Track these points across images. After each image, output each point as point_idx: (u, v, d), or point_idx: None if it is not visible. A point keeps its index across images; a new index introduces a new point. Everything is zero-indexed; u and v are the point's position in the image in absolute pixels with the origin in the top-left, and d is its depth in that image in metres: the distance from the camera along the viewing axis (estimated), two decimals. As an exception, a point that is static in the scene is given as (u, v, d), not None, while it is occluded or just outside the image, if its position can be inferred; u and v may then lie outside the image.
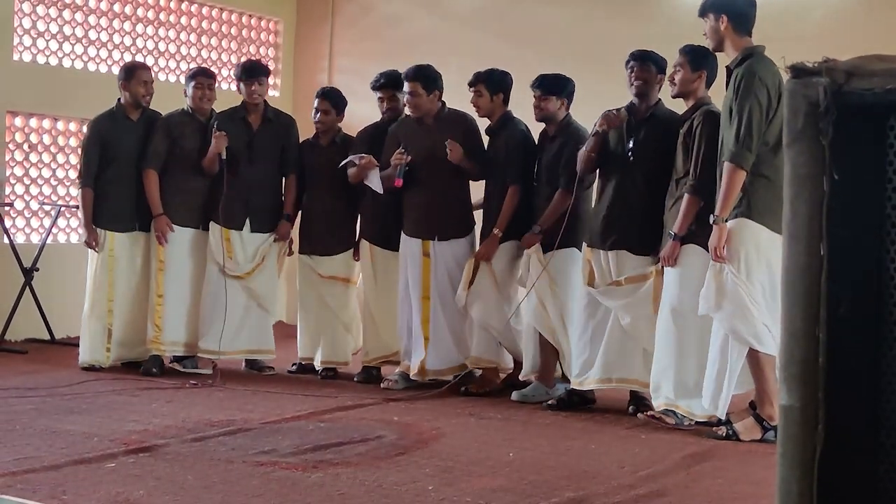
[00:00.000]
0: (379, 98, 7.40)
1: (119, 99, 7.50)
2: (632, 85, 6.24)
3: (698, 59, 5.96)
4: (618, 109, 6.24)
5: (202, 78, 7.52)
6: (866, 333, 1.43)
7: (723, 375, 5.58)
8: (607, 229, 6.23)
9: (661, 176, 6.09)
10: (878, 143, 1.42)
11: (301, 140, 7.74)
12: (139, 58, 9.51)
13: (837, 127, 1.38)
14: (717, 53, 5.89)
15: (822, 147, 1.38)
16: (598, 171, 6.41)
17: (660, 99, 6.32)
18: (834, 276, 1.41)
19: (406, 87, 7.00)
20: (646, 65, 6.23)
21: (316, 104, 7.60)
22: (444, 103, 7.11)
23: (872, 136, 1.41)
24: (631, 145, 6.19)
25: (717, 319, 5.58)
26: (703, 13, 5.73)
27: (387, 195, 7.07)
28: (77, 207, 7.84)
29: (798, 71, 1.41)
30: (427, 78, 6.99)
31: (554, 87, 6.69)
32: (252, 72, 7.53)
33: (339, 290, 7.55)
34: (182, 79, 7.89)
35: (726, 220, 5.47)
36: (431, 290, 7.00)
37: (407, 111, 7.24)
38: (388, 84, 7.35)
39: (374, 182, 7.06)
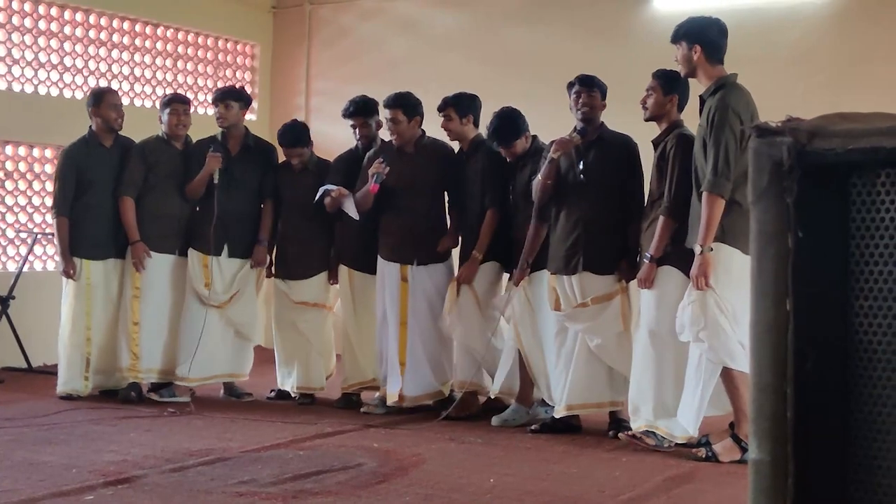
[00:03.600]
0: (351, 126, 7.41)
1: (90, 126, 7.46)
2: (578, 110, 6.31)
3: (670, 83, 6.01)
4: (570, 135, 6.31)
5: (177, 104, 7.51)
6: (834, 388, 1.44)
7: (702, 397, 5.61)
8: (568, 254, 6.29)
9: (614, 195, 6.23)
10: (840, 201, 1.44)
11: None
12: (115, 84, 9.52)
13: (801, 185, 1.40)
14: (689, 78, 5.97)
15: (786, 205, 1.40)
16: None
17: (603, 122, 6.40)
18: (801, 332, 1.42)
19: (387, 114, 7.02)
20: (592, 90, 6.34)
21: (285, 151, 7.56)
22: (423, 131, 7.13)
23: (835, 194, 1.44)
24: (581, 167, 6.25)
25: (694, 341, 5.62)
26: (675, 40, 5.82)
27: (367, 219, 7.07)
28: (53, 235, 7.78)
29: (762, 131, 1.43)
30: (408, 105, 7.00)
31: (512, 131, 6.68)
32: (218, 95, 7.56)
33: (312, 315, 7.53)
34: (158, 105, 7.88)
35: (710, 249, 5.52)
36: (409, 315, 6.99)
37: (383, 136, 7.26)
38: (357, 112, 7.36)
39: (350, 209, 7.06)
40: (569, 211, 6.32)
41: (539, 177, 6.32)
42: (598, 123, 6.38)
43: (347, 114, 7.39)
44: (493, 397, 6.90)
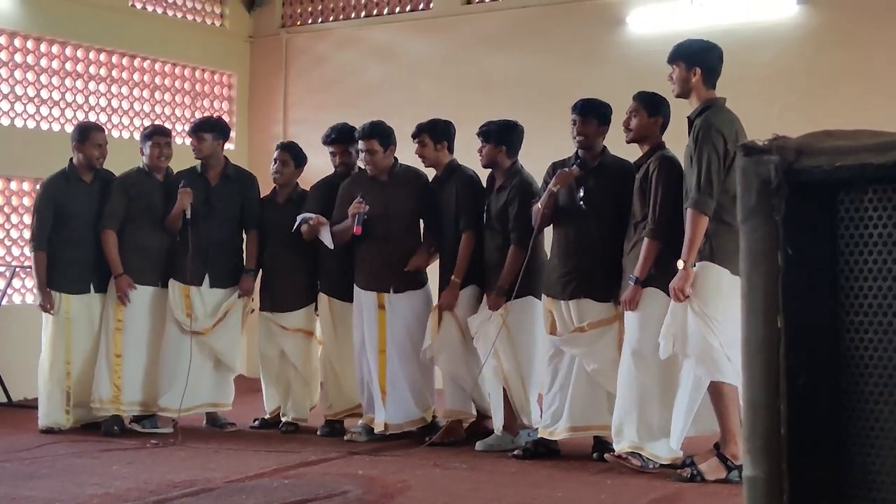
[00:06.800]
0: (331, 153, 7.42)
1: (71, 159, 7.44)
2: (574, 138, 6.32)
3: (653, 104, 6.04)
4: (570, 166, 6.30)
5: (159, 136, 7.50)
6: (825, 404, 1.45)
7: (687, 414, 5.62)
8: (566, 279, 6.27)
9: (614, 222, 6.18)
10: (828, 218, 1.46)
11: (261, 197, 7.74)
12: (92, 115, 9.50)
13: (789, 203, 1.41)
14: (669, 99, 6.01)
15: (775, 223, 1.42)
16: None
17: (605, 147, 6.39)
18: (792, 349, 1.43)
19: (362, 145, 7.02)
20: (587, 118, 6.31)
21: (275, 155, 7.63)
22: (396, 159, 7.15)
23: (823, 212, 1.45)
24: (581, 194, 6.25)
25: (685, 360, 5.63)
26: (672, 60, 5.83)
27: (342, 248, 7.08)
28: (31, 269, 7.72)
29: (749, 149, 1.44)
30: (383, 134, 7.02)
31: (492, 134, 6.74)
32: (191, 128, 7.60)
33: (301, 344, 7.53)
34: (136, 135, 7.85)
35: (693, 265, 5.56)
36: (388, 343, 6.98)
37: (360, 165, 7.26)
38: (338, 139, 7.38)
39: (326, 237, 7.07)
40: (567, 236, 6.32)
41: (538, 205, 6.32)
42: (599, 149, 6.35)
43: (328, 140, 7.40)
44: (498, 433, 6.82)
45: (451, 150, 7.06)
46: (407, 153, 7.22)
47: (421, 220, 7.21)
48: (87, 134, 7.43)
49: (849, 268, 1.47)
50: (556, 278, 6.32)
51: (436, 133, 7.01)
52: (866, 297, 1.46)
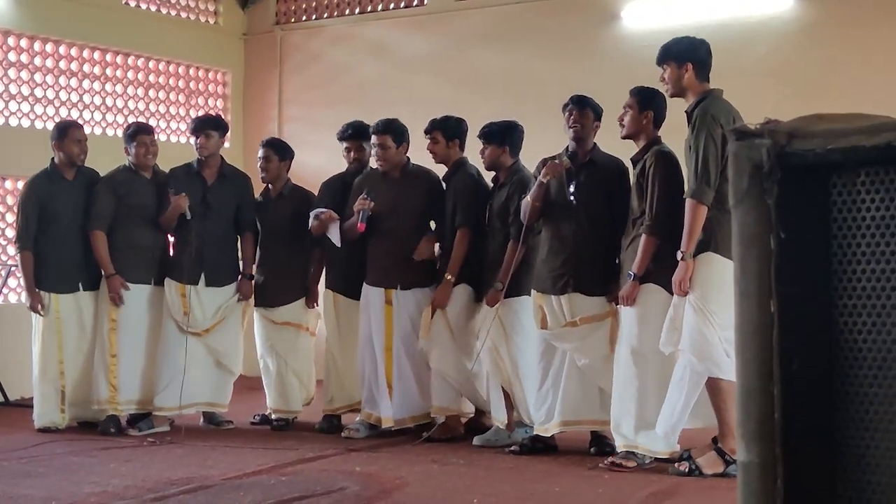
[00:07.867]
0: (346, 148, 7.42)
1: (53, 158, 7.41)
2: (569, 129, 6.32)
3: (645, 99, 6.04)
4: (559, 158, 6.30)
5: (143, 135, 7.46)
6: (819, 388, 1.45)
7: (683, 408, 5.62)
8: (557, 274, 6.27)
9: (605, 217, 6.21)
10: (821, 201, 1.46)
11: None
12: (86, 114, 9.48)
13: (782, 186, 1.41)
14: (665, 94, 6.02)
15: (767, 207, 1.41)
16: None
17: (595, 143, 6.39)
18: (785, 333, 1.43)
19: (375, 139, 7.04)
20: (584, 110, 6.32)
21: (259, 154, 7.62)
22: (409, 158, 7.15)
23: (816, 195, 1.45)
24: (572, 189, 6.25)
25: (681, 354, 5.62)
26: (662, 61, 5.85)
27: (350, 245, 7.07)
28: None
29: (741, 133, 1.44)
30: (396, 131, 7.04)
31: (495, 135, 6.75)
32: (198, 125, 7.54)
33: (289, 337, 7.53)
34: (122, 135, 7.80)
35: (694, 256, 5.54)
36: (394, 338, 6.99)
37: (373, 162, 7.27)
38: (354, 135, 7.40)
39: (334, 235, 7.08)
40: (558, 232, 6.32)
41: (528, 198, 6.32)
42: (591, 145, 6.37)
43: (344, 136, 7.42)
44: (499, 426, 6.83)
45: (462, 148, 7.07)
46: (412, 149, 7.22)
47: (431, 221, 7.20)
48: (66, 131, 7.40)
49: (842, 251, 1.47)
50: (547, 273, 6.32)
51: (448, 130, 7.03)
52: (860, 281, 1.46)
